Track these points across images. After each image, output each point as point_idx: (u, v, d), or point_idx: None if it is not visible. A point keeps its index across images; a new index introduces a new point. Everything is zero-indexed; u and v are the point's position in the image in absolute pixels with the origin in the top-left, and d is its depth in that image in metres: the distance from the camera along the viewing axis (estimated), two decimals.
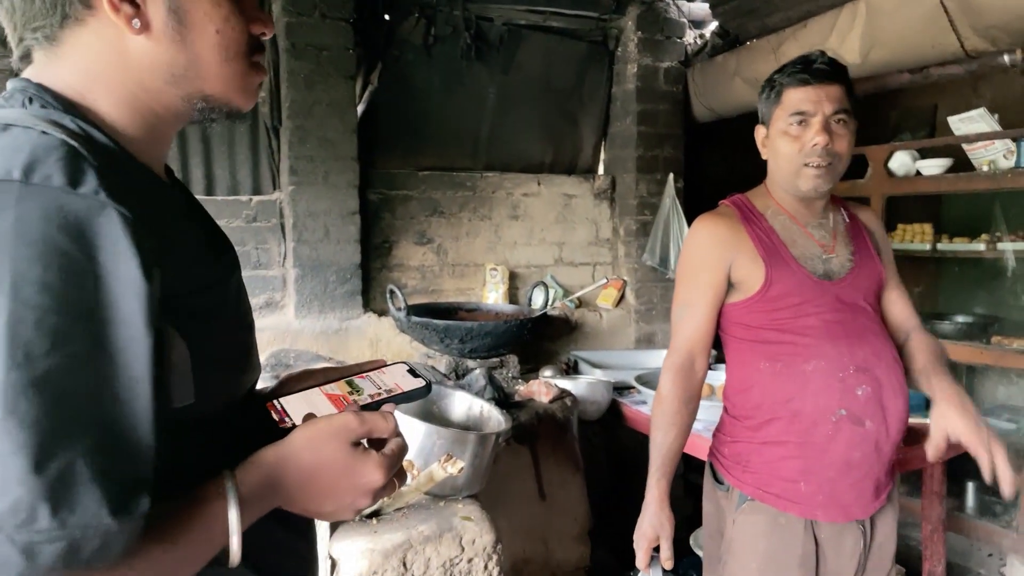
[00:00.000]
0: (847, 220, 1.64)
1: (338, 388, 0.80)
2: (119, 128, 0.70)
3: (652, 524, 1.60)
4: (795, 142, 1.51)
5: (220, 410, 0.74)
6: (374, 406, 0.79)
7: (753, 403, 1.55)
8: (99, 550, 0.55)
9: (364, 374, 0.83)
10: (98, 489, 0.55)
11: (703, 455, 2.40)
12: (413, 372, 0.85)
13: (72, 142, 0.61)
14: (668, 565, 1.59)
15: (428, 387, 0.84)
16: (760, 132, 1.62)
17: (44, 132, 0.61)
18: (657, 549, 1.61)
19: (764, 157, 1.62)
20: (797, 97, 1.51)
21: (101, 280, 0.57)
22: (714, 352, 3.39)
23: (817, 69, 1.50)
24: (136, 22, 0.68)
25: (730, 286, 1.57)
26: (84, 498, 0.54)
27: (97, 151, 0.63)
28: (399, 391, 0.82)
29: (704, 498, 1.72)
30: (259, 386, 0.88)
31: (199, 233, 0.77)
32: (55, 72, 0.70)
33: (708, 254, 1.58)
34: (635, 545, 1.63)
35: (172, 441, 0.61)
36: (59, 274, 0.56)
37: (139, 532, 0.58)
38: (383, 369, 0.85)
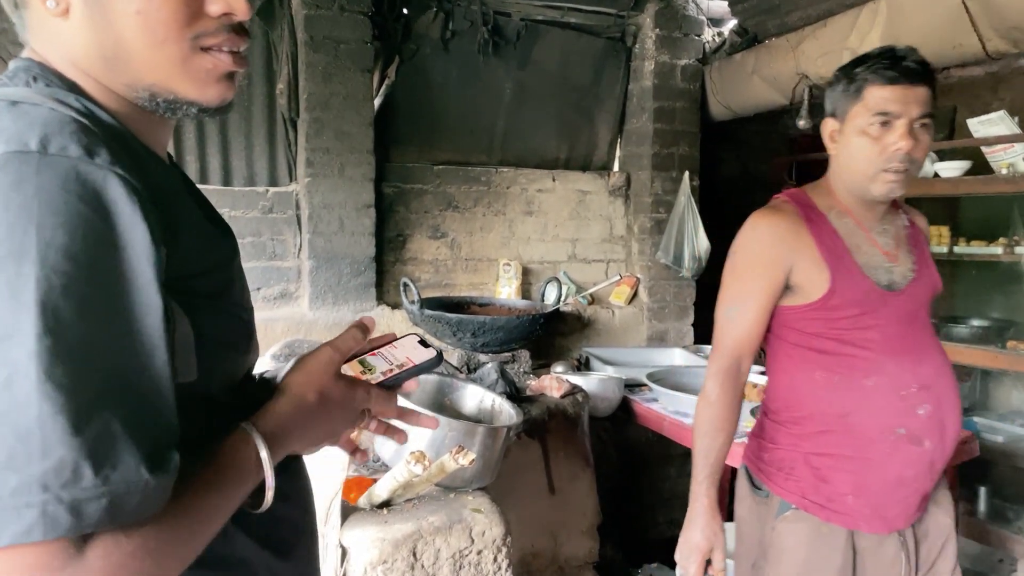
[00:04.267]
0: (908, 225, 1.55)
1: (350, 369, 0.81)
2: (110, 108, 0.70)
3: (705, 535, 1.49)
4: (875, 144, 1.39)
5: (220, 390, 0.76)
6: (387, 384, 0.82)
7: (804, 412, 1.48)
8: (140, 505, 0.57)
9: (376, 351, 0.85)
10: (135, 447, 0.56)
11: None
12: (424, 343, 0.87)
13: (80, 118, 0.62)
14: None
15: (439, 357, 0.86)
16: (829, 126, 1.49)
17: (52, 109, 0.62)
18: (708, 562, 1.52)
19: (831, 153, 1.51)
20: (882, 96, 1.39)
21: (120, 248, 0.59)
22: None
23: (907, 68, 1.38)
24: (52, 3, 0.65)
25: (786, 288, 1.48)
26: (124, 456, 0.56)
27: (102, 127, 0.64)
28: (411, 365, 0.84)
29: (736, 502, 1.65)
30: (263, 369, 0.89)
31: (201, 215, 0.77)
32: (42, 53, 0.70)
33: (766, 253, 1.47)
34: (683, 558, 1.52)
35: (180, 419, 0.63)
36: (83, 242, 0.57)
37: (172, 487, 0.60)
38: (394, 343, 0.86)
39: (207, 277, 0.73)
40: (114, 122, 0.69)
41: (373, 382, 0.81)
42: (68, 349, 0.55)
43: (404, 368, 0.83)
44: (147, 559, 0.59)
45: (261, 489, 0.73)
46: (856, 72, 1.43)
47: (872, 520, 1.44)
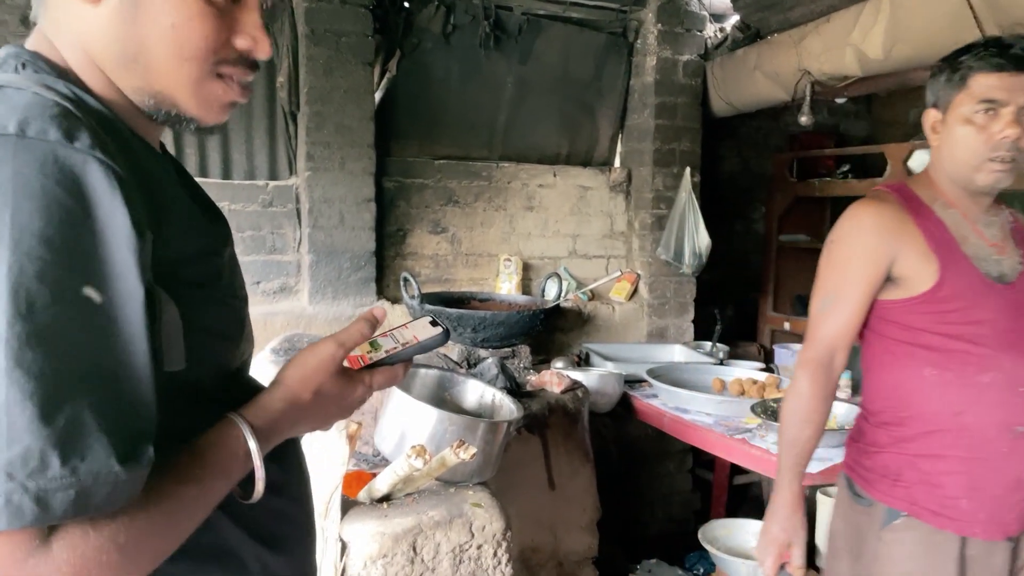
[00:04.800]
0: (1012, 220, 1.51)
1: (359, 349, 0.82)
2: (106, 98, 0.70)
3: (785, 528, 1.46)
4: (980, 133, 1.36)
5: (212, 380, 0.75)
6: (389, 360, 0.82)
7: (911, 412, 1.42)
8: (109, 497, 0.56)
9: (388, 332, 0.85)
10: (105, 437, 0.55)
11: (713, 449, 2.41)
12: (434, 323, 0.87)
13: (64, 103, 0.61)
14: (800, 574, 1.47)
15: (446, 334, 0.86)
16: (931, 117, 1.46)
17: (37, 93, 0.61)
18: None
19: (932, 144, 1.47)
20: (988, 83, 1.35)
21: (98, 234, 0.58)
22: (725, 347, 3.37)
23: (1015, 55, 1.35)
24: None
25: (887, 280, 1.43)
26: (93, 446, 0.55)
27: (90, 113, 0.64)
28: (415, 342, 0.84)
29: (834, 514, 1.58)
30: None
31: (191, 203, 0.77)
32: (50, 37, 0.70)
33: (870, 243, 1.42)
34: (761, 551, 1.49)
35: (164, 406, 0.62)
36: (59, 227, 0.56)
37: (145, 480, 0.59)
38: (407, 324, 0.87)
39: (196, 264, 0.72)
40: (104, 109, 0.68)
41: (376, 359, 0.82)
42: (40, 335, 0.54)
43: (408, 346, 0.84)
44: (116, 553, 0.58)
45: (251, 479, 0.72)
46: (961, 60, 1.40)
47: (988, 525, 1.37)
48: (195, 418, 0.69)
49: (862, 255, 1.43)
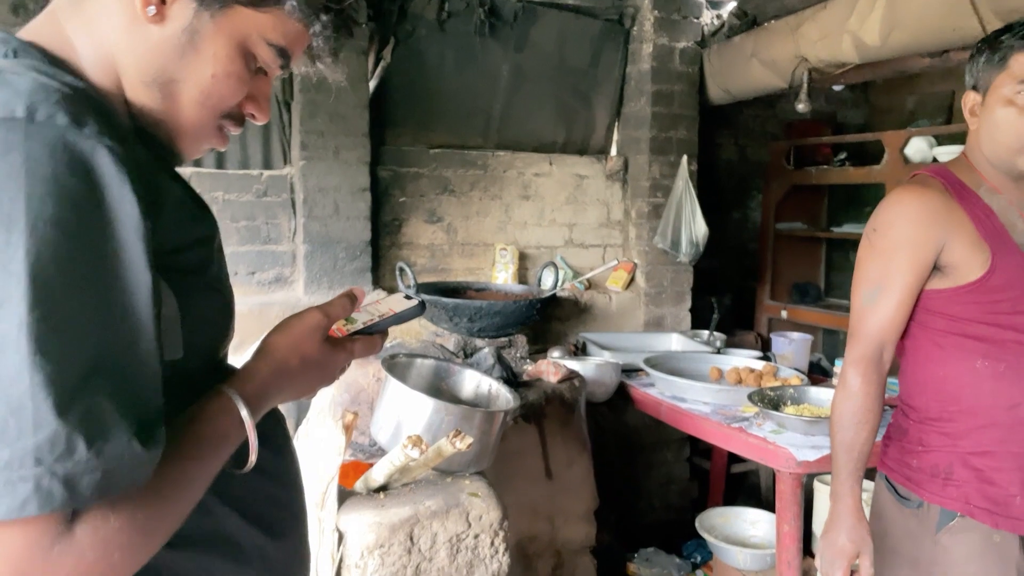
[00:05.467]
0: None
1: (335, 325, 0.84)
2: (104, 90, 0.71)
3: (851, 538, 1.39)
4: (1022, 114, 1.31)
5: (202, 369, 0.76)
6: (366, 332, 0.85)
7: (961, 407, 1.37)
8: (130, 478, 0.57)
9: (361, 308, 0.87)
10: (125, 421, 0.56)
11: (710, 438, 2.40)
12: (408, 297, 0.90)
13: (66, 89, 0.62)
14: None
15: (422, 305, 0.89)
16: (970, 99, 1.42)
17: (36, 78, 0.61)
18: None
19: (971, 127, 1.42)
20: None
21: (109, 221, 0.58)
22: (722, 335, 3.37)
23: None
24: (152, 9, 0.68)
25: (934, 270, 1.38)
26: (115, 429, 0.55)
27: (88, 100, 0.64)
28: (391, 314, 0.87)
29: (874, 517, 1.51)
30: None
31: (183, 192, 0.78)
32: (69, 29, 0.70)
33: (917, 230, 1.36)
34: (827, 564, 1.42)
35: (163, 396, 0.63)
36: (73, 213, 0.56)
37: (159, 459, 0.60)
38: (379, 301, 0.90)
39: (189, 253, 0.73)
40: (100, 99, 0.68)
41: (353, 330, 0.84)
42: (58, 321, 0.54)
43: (384, 318, 0.86)
44: (134, 532, 0.59)
45: (243, 451, 0.73)
46: (1002, 40, 1.35)
47: None
48: (184, 408, 0.70)
49: (909, 243, 1.37)
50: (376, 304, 0.89)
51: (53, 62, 0.67)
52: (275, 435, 0.84)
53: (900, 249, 1.38)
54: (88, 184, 0.57)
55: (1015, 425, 1.33)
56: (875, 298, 1.40)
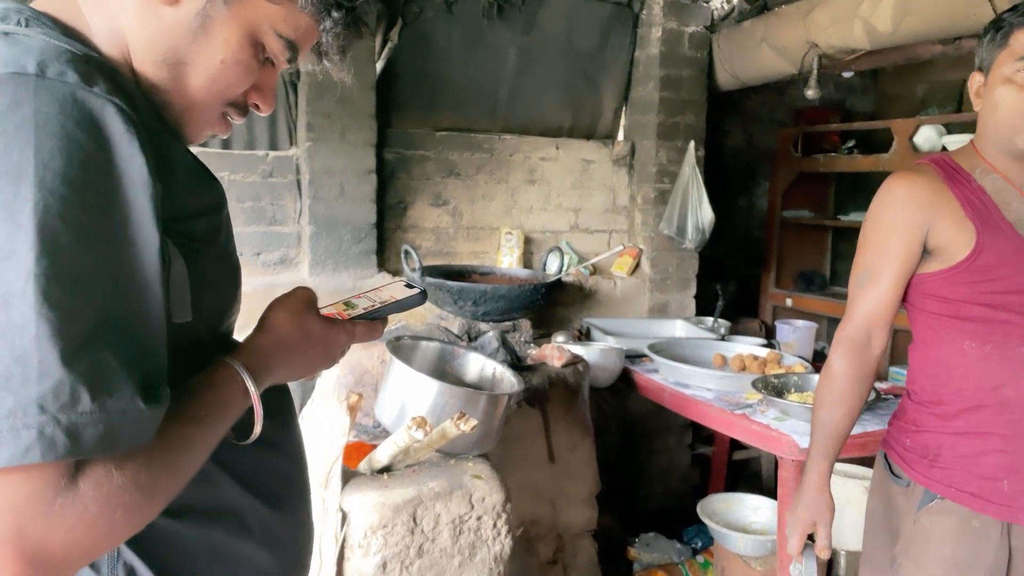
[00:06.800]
0: None
1: (333, 307, 0.84)
2: (115, 63, 0.71)
3: (809, 509, 1.45)
4: (1021, 92, 1.30)
5: (210, 337, 0.77)
6: (367, 317, 0.85)
7: (951, 388, 1.38)
8: (133, 434, 0.57)
9: (361, 294, 0.87)
10: (129, 377, 0.56)
11: (713, 424, 2.41)
12: (410, 286, 0.90)
13: (77, 52, 0.62)
14: (825, 555, 1.46)
15: (423, 294, 0.89)
16: (975, 80, 1.41)
17: (46, 39, 0.62)
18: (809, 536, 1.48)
19: (976, 108, 1.42)
20: None
21: (117, 178, 0.59)
22: (727, 322, 3.36)
23: None
24: None
25: (925, 253, 1.39)
26: (119, 384, 0.55)
27: (98, 64, 0.64)
28: (393, 300, 0.86)
29: (871, 492, 1.56)
30: None
31: (193, 160, 0.79)
32: (83, 2, 0.70)
33: (902, 215, 1.38)
34: (788, 530, 1.49)
35: (169, 359, 0.64)
36: (81, 168, 0.56)
37: (162, 418, 0.60)
38: (381, 287, 0.89)
39: (198, 220, 0.73)
40: (111, 67, 0.68)
41: (353, 315, 0.84)
42: (66, 273, 0.54)
43: (385, 304, 0.86)
44: (137, 493, 0.59)
45: (246, 422, 0.73)
46: (1004, 18, 1.34)
47: None
48: (193, 374, 0.70)
49: (895, 229, 1.40)
50: (378, 291, 0.89)
51: (66, 32, 0.68)
52: (281, 408, 0.84)
53: (887, 235, 1.41)
54: (97, 140, 0.58)
55: (1000, 407, 1.33)
56: (865, 283, 1.43)
